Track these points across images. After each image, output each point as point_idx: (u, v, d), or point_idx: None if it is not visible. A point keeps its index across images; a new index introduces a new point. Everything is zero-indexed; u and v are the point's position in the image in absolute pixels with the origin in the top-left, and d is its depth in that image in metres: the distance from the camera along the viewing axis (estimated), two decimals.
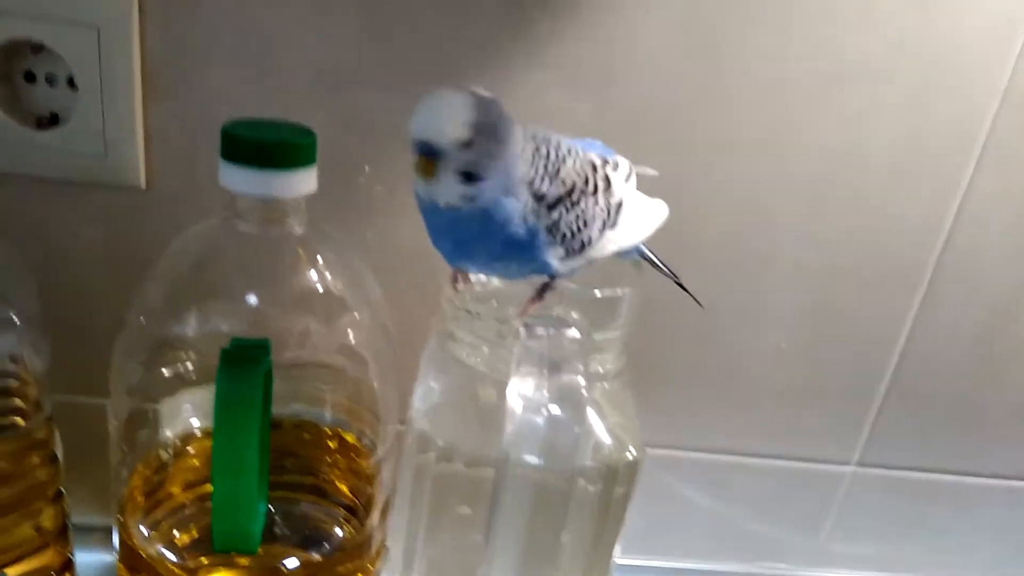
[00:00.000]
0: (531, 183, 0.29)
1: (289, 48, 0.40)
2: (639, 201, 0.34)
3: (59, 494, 0.38)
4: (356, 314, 0.35)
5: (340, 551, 0.37)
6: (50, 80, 0.40)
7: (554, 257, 0.31)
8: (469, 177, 0.28)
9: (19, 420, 0.36)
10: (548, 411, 0.29)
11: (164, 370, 0.34)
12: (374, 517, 0.37)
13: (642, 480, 0.39)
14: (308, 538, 0.37)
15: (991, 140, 0.44)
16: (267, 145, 0.30)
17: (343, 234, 0.40)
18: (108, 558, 0.43)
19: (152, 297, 0.34)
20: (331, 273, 0.35)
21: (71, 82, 0.39)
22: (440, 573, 0.39)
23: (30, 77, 0.40)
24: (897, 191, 0.45)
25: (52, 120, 0.40)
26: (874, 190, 0.45)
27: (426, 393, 0.37)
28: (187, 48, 0.39)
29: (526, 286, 0.33)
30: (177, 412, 0.36)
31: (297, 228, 0.33)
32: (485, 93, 0.29)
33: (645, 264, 0.37)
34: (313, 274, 0.35)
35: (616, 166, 0.33)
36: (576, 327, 0.32)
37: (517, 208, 0.29)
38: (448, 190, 0.28)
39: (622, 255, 0.34)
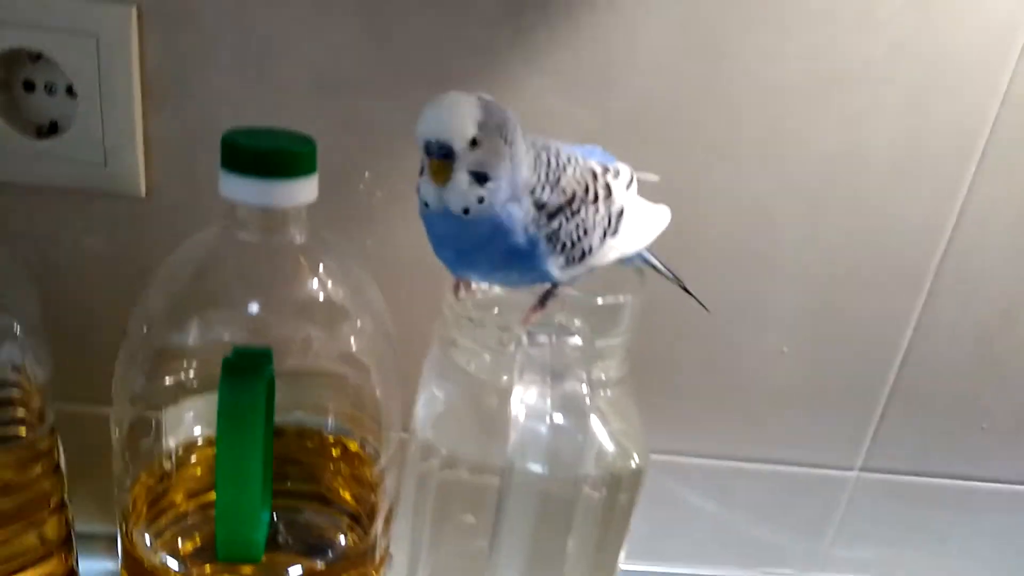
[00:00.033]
0: (533, 191, 0.29)
1: (288, 54, 0.40)
2: (641, 207, 0.34)
3: (62, 504, 0.38)
4: (358, 322, 0.35)
5: (344, 559, 0.37)
6: (49, 89, 0.40)
7: (555, 266, 0.31)
8: (479, 178, 0.28)
9: (22, 430, 0.36)
10: (551, 420, 0.29)
11: (166, 379, 0.34)
12: (377, 525, 0.37)
13: (645, 486, 0.39)
14: (312, 546, 0.37)
15: (992, 142, 0.44)
16: (267, 154, 0.30)
17: (343, 241, 0.40)
18: (112, 566, 0.43)
19: (154, 306, 0.34)
20: (332, 281, 0.35)
21: (70, 90, 0.39)
22: None
23: (29, 86, 0.40)
24: (898, 193, 0.45)
25: (51, 129, 0.40)
26: (875, 192, 0.45)
27: (429, 401, 0.37)
28: (186, 56, 0.39)
29: (528, 293, 0.33)
30: (180, 420, 0.36)
31: (298, 237, 0.33)
32: (487, 96, 0.29)
33: (648, 270, 0.37)
34: (314, 282, 0.34)
35: (617, 173, 0.32)
36: (578, 334, 0.32)
37: (520, 216, 0.29)
38: (461, 194, 0.28)
39: (624, 262, 0.34)
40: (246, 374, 0.28)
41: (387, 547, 0.39)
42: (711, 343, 0.48)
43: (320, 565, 0.36)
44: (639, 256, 0.36)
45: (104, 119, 0.40)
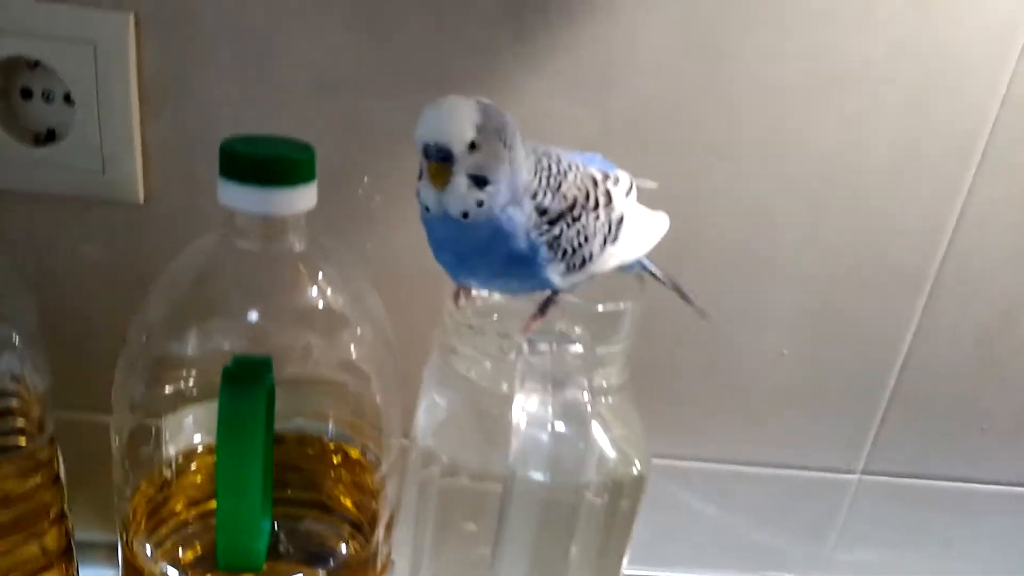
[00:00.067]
0: (534, 195, 0.29)
1: (286, 59, 0.40)
2: (640, 215, 0.34)
3: (62, 514, 0.38)
4: (358, 329, 0.35)
5: (345, 567, 0.37)
6: (47, 96, 0.40)
7: (555, 273, 0.30)
8: (478, 181, 0.28)
9: (21, 440, 0.36)
10: (553, 428, 0.29)
11: (166, 387, 0.34)
12: (379, 532, 0.37)
13: (646, 491, 0.39)
14: (313, 554, 0.37)
15: (992, 143, 0.44)
16: (266, 162, 0.30)
17: (343, 247, 0.39)
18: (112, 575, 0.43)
19: (153, 315, 0.34)
20: (332, 288, 0.35)
21: (68, 98, 0.39)
22: None
23: (27, 93, 0.40)
24: (898, 194, 0.45)
25: (49, 136, 0.40)
26: (875, 193, 0.45)
27: (429, 408, 0.37)
28: (184, 62, 0.39)
29: (528, 301, 0.33)
30: (180, 428, 0.36)
31: (297, 244, 0.33)
32: (486, 100, 0.29)
33: (648, 277, 0.37)
34: (314, 290, 0.34)
35: (617, 180, 0.32)
36: (579, 341, 0.32)
37: (522, 220, 0.29)
38: (460, 197, 0.28)
39: (624, 269, 0.34)
40: (246, 383, 0.28)
41: (388, 554, 0.39)
42: (711, 346, 0.48)
43: (322, 574, 0.36)
44: (639, 263, 0.36)
45: (102, 126, 0.39)
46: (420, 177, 0.29)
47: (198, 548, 0.36)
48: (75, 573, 0.40)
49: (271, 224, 0.32)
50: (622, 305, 0.33)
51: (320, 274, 0.34)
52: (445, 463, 0.35)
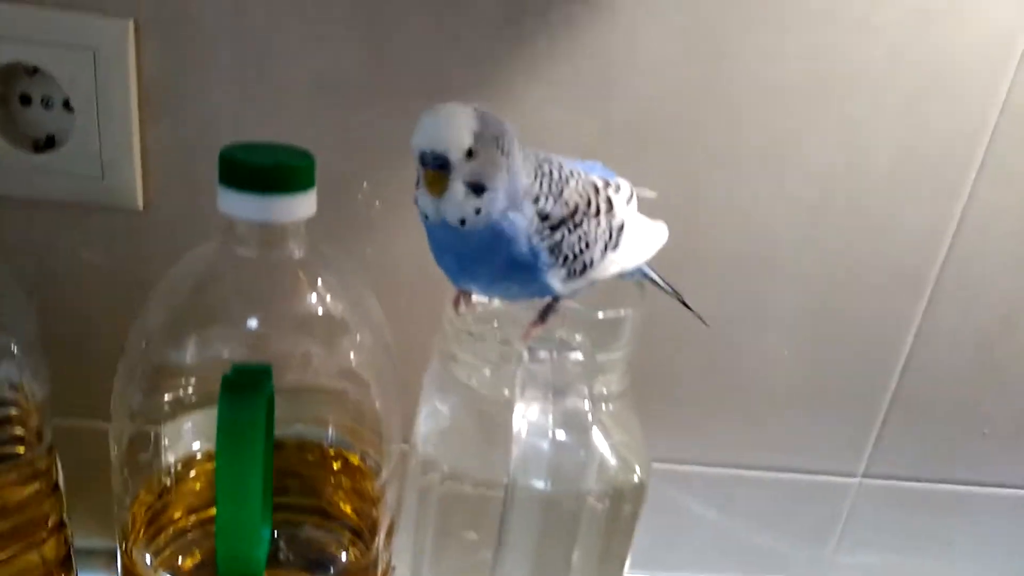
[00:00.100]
0: (536, 200, 0.29)
1: (286, 65, 0.40)
2: (640, 223, 0.34)
3: (61, 523, 0.38)
4: (357, 336, 0.35)
5: (346, 574, 0.37)
6: (46, 103, 0.40)
7: (556, 278, 0.30)
8: (476, 189, 0.28)
9: (20, 449, 0.36)
10: (554, 436, 0.29)
11: (166, 395, 0.34)
12: (379, 539, 0.37)
13: (647, 496, 0.38)
14: (313, 562, 0.37)
15: (991, 149, 0.44)
16: (265, 169, 0.30)
17: (342, 254, 0.39)
18: None
19: (152, 323, 0.33)
20: (331, 296, 0.35)
21: (67, 104, 0.39)
22: None
23: (26, 100, 0.40)
24: (899, 199, 0.45)
25: (48, 143, 0.40)
26: (876, 198, 0.45)
27: (429, 415, 0.37)
28: (183, 69, 0.39)
29: (528, 307, 0.33)
30: (179, 435, 0.36)
31: (297, 251, 0.33)
32: (483, 107, 0.29)
33: (648, 283, 0.37)
34: (313, 297, 0.34)
35: (618, 188, 0.32)
36: (579, 348, 0.32)
37: (523, 225, 0.29)
38: (457, 205, 0.28)
39: (624, 276, 0.34)
40: (245, 391, 0.28)
41: (389, 561, 0.39)
42: (712, 350, 0.48)
43: None
44: (639, 270, 0.36)
45: (101, 133, 0.39)
46: (418, 185, 0.29)
47: (197, 556, 0.36)
48: None
49: (271, 231, 0.32)
50: (622, 312, 0.33)
51: (320, 281, 0.34)
52: (445, 471, 0.35)
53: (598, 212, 0.31)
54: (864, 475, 0.53)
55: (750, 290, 0.47)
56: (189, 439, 0.36)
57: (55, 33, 0.37)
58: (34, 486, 0.36)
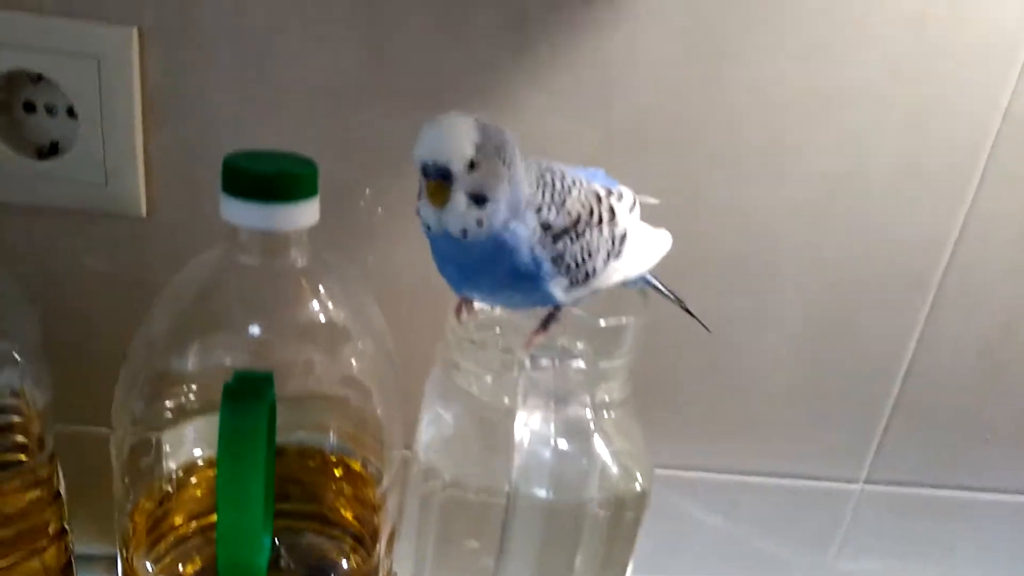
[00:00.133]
0: (539, 210, 0.29)
1: (289, 73, 0.40)
2: (643, 231, 0.34)
3: (63, 531, 0.38)
4: (359, 344, 0.35)
5: None
6: (50, 110, 0.40)
7: (558, 288, 0.30)
8: (478, 200, 0.28)
9: (22, 456, 0.36)
10: (555, 445, 0.29)
11: (167, 403, 0.34)
12: (380, 547, 0.37)
13: (650, 500, 0.38)
14: (314, 569, 0.36)
15: (994, 157, 0.44)
16: (268, 178, 0.30)
17: (344, 262, 0.39)
18: None
19: (154, 330, 0.33)
20: (333, 303, 0.35)
21: (71, 111, 0.39)
22: None
23: (30, 107, 0.40)
24: (901, 207, 0.45)
25: (52, 150, 0.40)
26: (877, 205, 0.45)
27: (431, 423, 0.37)
28: (186, 76, 0.39)
29: (531, 315, 0.33)
30: (180, 442, 0.36)
31: (299, 259, 0.33)
32: (485, 118, 0.29)
33: (650, 291, 0.37)
34: (315, 305, 0.34)
35: (620, 196, 0.32)
36: (582, 356, 0.32)
37: (526, 235, 0.29)
38: (459, 216, 0.28)
39: (627, 284, 0.34)
40: (247, 399, 0.28)
41: (390, 568, 0.39)
42: (714, 357, 0.48)
43: None
44: (642, 278, 0.36)
45: (105, 140, 0.39)
46: (420, 196, 0.29)
47: (198, 562, 0.36)
48: None
49: (273, 240, 0.32)
50: (624, 320, 0.33)
51: (322, 289, 0.34)
52: (447, 479, 0.35)
53: (600, 221, 0.31)
54: (866, 481, 0.53)
55: (752, 296, 0.47)
56: (190, 445, 0.36)
57: (59, 41, 0.38)
58: (35, 493, 0.36)
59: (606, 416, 0.34)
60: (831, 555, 0.55)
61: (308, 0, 0.38)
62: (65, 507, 0.38)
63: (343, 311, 0.35)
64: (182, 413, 0.34)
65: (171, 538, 0.36)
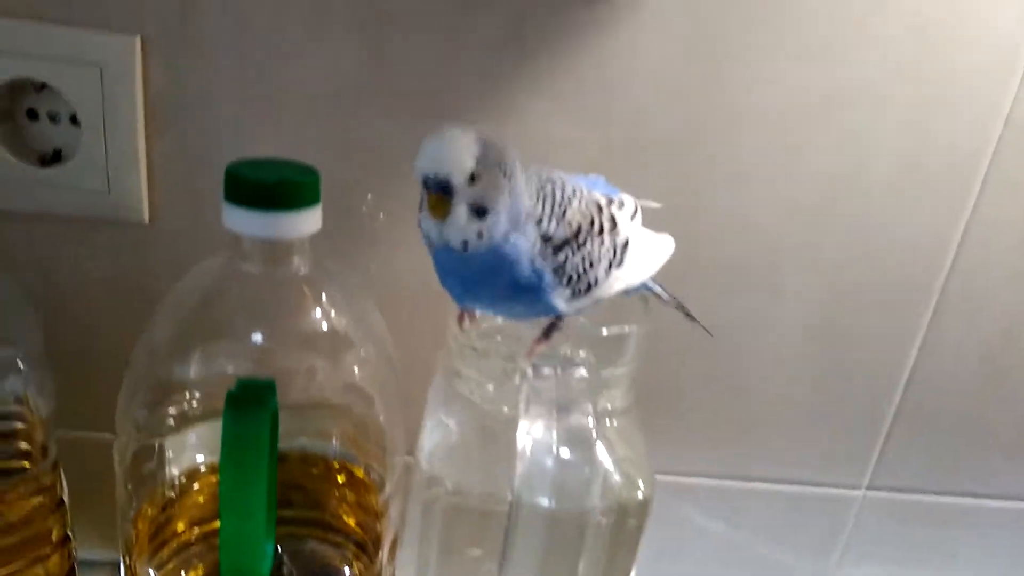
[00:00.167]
0: (539, 222, 0.29)
1: (291, 80, 0.40)
2: (645, 238, 0.34)
3: (66, 538, 0.38)
4: (361, 351, 0.35)
5: None
6: (53, 117, 0.40)
7: (560, 298, 0.30)
8: (479, 212, 0.28)
9: (25, 463, 0.36)
10: (558, 454, 0.29)
11: (170, 410, 0.34)
12: (383, 554, 0.37)
13: (652, 506, 0.38)
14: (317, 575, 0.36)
15: (995, 163, 0.44)
16: (271, 186, 0.30)
17: (346, 269, 0.40)
18: None
19: (157, 337, 0.34)
20: (335, 311, 0.35)
21: (74, 119, 0.40)
22: None
23: (33, 115, 0.40)
24: (903, 212, 0.45)
25: (55, 157, 0.41)
26: (879, 211, 0.45)
27: (433, 430, 0.37)
28: (189, 83, 0.40)
29: (533, 322, 0.33)
30: (183, 449, 0.36)
31: (302, 267, 0.33)
32: (486, 131, 0.29)
33: (651, 297, 0.37)
34: (318, 313, 0.34)
35: (621, 204, 0.32)
36: (584, 364, 0.32)
37: (526, 247, 0.29)
38: (460, 228, 0.28)
39: (629, 292, 0.34)
40: (250, 407, 0.28)
41: (392, 574, 0.39)
42: (716, 363, 0.48)
43: None
44: (643, 285, 0.36)
45: (108, 147, 0.40)
46: (421, 208, 0.29)
47: (201, 569, 0.36)
48: None
49: (276, 247, 0.32)
50: (627, 328, 0.33)
51: (324, 296, 0.34)
52: (449, 487, 0.35)
53: (601, 231, 0.31)
54: (868, 487, 0.53)
55: (754, 302, 0.47)
56: (193, 452, 0.36)
57: (62, 49, 0.38)
58: (39, 501, 0.36)
59: (608, 424, 0.34)
60: (833, 562, 0.55)
61: (309, 7, 0.39)
62: (68, 514, 0.38)
63: (345, 318, 0.35)
64: (185, 420, 0.34)
65: (174, 544, 0.36)
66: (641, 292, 0.36)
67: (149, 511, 0.36)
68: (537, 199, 0.30)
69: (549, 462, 0.29)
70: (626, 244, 0.32)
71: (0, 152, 0.39)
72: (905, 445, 0.51)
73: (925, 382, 0.49)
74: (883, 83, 0.42)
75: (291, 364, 0.33)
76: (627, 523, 0.36)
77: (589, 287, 0.31)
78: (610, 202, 0.32)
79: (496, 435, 0.35)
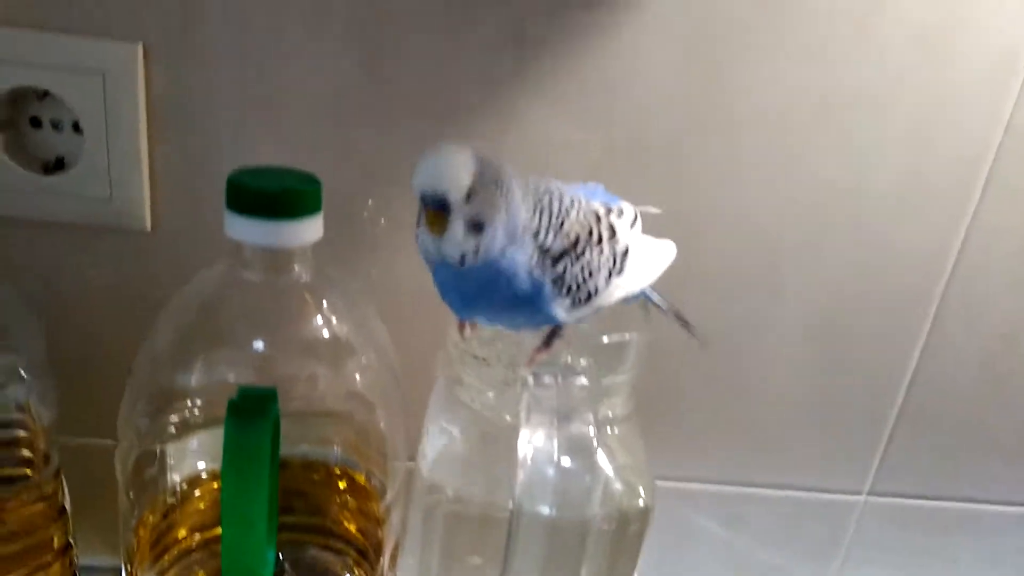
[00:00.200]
0: (536, 235, 0.29)
1: (292, 88, 0.40)
2: (646, 245, 0.34)
3: (67, 546, 0.38)
4: (363, 358, 0.35)
5: None
6: (56, 125, 0.40)
7: (560, 308, 0.31)
8: (475, 227, 0.28)
9: (27, 471, 0.36)
10: (559, 462, 0.29)
11: (172, 417, 0.34)
12: (384, 560, 0.37)
13: (653, 512, 0.38)
14: None
15: (996, 169, 0.44)
16: (272, 195, 0.30)
17: (347, 275, 0.40)
18: None
19: (159, 345, 0.34)
20: (337, 318, 0.35)
21: (76, 127, 0.40)
22: None
23: (36, 122, 0.40)
24: (903, 218, 0.45)
25: (58, 165, 0.41)
26: (880, 217, 0.45)
27: (435, 438, 0.37)
28: (190, 91, 0.40)
29: (534, 331, 0.33)
30: (184, 455, 0.36)
31: (303, 275, 0.33)
32: (482, 147, 0.29)
33: (650, 304, 0.37)
34: (319, 320, 0.34)
35: (620, 212, 0.33)
36: (585, 372, 0.32)
37: (523, 260, 0.29)
38: (457, 244, 0.28)
39: (629, 299, 0.34)
40: (252, 415, 0.28)
41: None
42: (717, 369, 0.48)
43: None
44: (643, 292, 0.36)
45: (110, 155, 0.40)
46: (419, 224, 0.29)
47: None
48: None
49: (277, 256, 0.32)
50: (627, 336, 0.33)
51: (325, 304, 0.35)
52: (450, 495, 0.36)
53: (600, 240, 0.31)
54: (869, 492, 0.53)
55: (755, 307, 0.47)
56: (194, 459, 0.36)
57: (64, 57, 0.38)
58: (40, 508, 0.36)
59: (609, 432, 0.34)
60: (834, 567, 0.55)
61: (309, 14, 0.39)
62: (70, 522, 0.38)
63: (346, 326, 0.35)
64: (186, 427, 0.34)
65: (175, 551, 0.36)
66: (638, 298, 0.36)
67: (151, 518, 0.36)
68: (534, 212, 0.30)
69: (550, 470, 0.29)
70: (626, 252, 0.32)
71: (3, 160, 0.40)
72: (906, 450, 0.51)
73: (926, 387, 0.49)
74: (884, 87, 0.42)
75: (293, 371, 0.33)
76: (628, 530, 0.36)
77: (589, 296, 0.31)
78: (609, 211, 0.32)
79: (497, 442, 0.35)
